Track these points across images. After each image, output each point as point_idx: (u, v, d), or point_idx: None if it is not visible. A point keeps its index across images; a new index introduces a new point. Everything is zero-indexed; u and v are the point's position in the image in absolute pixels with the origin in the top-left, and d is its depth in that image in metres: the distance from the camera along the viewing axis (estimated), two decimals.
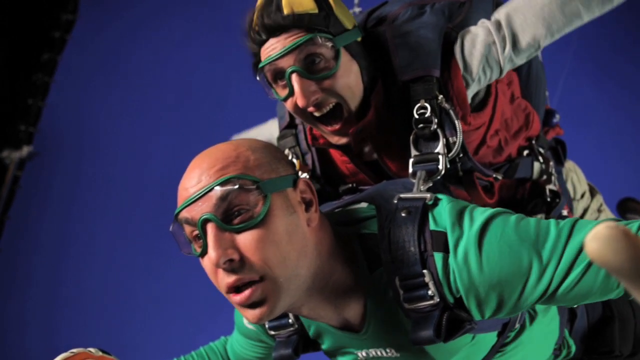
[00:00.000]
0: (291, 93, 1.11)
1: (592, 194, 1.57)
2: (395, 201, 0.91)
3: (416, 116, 1.14)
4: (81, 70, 3.68)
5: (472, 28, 1.20)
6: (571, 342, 1.20)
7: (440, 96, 1.14)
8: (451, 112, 1.13)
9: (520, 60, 1.20)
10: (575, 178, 1.53)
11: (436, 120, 1.13)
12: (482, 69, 1.17)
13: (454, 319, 0.86)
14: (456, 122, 1.13)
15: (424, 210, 0.88)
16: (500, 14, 1.20)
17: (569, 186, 1.50)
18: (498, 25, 1.18)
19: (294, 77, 1.10)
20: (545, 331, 1.10)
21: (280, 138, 1.34)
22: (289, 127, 1.33)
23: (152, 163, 3.42)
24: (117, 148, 3.52)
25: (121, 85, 3.58)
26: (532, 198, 1.34)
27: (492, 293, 0.83)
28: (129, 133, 3.51)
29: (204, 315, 3.01)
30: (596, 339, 1.24)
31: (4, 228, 3.48)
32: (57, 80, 3.73)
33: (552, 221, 0.83)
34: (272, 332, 1.04)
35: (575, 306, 1.17)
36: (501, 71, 1.19)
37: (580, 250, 0.79)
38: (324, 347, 1.04)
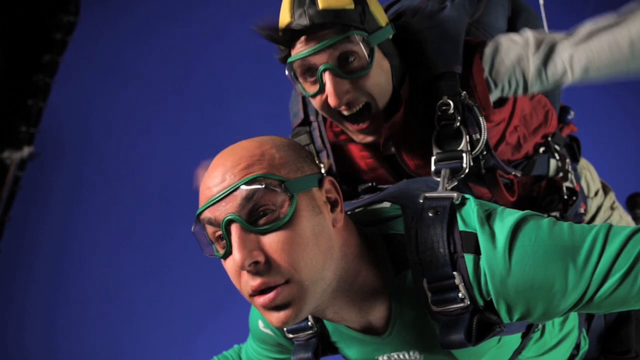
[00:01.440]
0: (321, 90, 1.09)
1: (605, 191, 1.56)
2: (421, 200, 0.88)
3: (439, 113, 1.11)
4: (82, 72, 3.68)
5: (513, 35, 1.16)
6: (585, 341, 1.18)
7: (464, 92, 1.11)
8: (475, 108, 1.11)
9: (548, 84, 1.16)
10: (588, 176, 1.52)
11: (459, 117, 1.10)
12: (507, 79, 1.14)
13: (483, 322, 0.83)
14: (480, 118, 1.11)
15: (452, 210, 0.85)
16: (548, 35, 1.15)
17: (583, 184, 1.49)
18: (539, 43, 1.14)
19: (327, 75, 1.07)
20: (563, 333, 1.08)
21: (294, 135, 1.31)
22: (302, 124, 1.31)
23: (153, 164, 3.42)
24: (117, 149, 3.52)
25: (122, 87, 3.58)
26: (548, 195, 1.33)
27: (523, 297, 0.80)
28: (130, 134, 3.51)
29: (204, 317, 3.01)
30: (612, 339, 1.22)
31: (5, 229, 3.47)
32: (58, 81, 3.73)
33: (585, 226, 0.82)
34: (291, 336, 1.01)
35: None
36: (526, 88, 1.16)
37: (617, 257, 0.77)
38: (344, 352, 1.01)
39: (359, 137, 1.18)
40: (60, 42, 3.77)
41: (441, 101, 1.11)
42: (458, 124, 1.10)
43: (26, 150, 3.56)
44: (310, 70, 1.10)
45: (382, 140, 1.17)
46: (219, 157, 0.83)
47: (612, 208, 1.56)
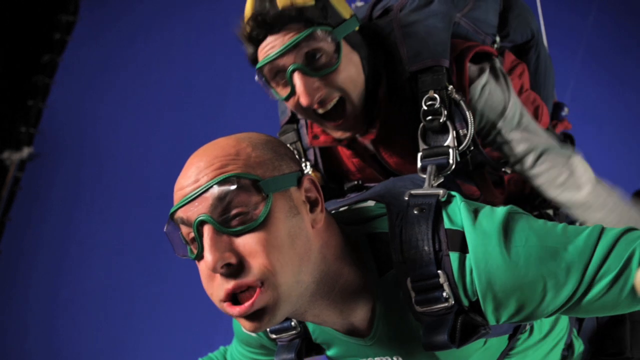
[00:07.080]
0: (293, 92, 1.08)
1: None
2: (406, 198, 0.86)
3: (425, 108, 1.09)
4: (82, 72, 3.68)
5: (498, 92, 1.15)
6: (579, 342, 1.17)
7: (450, 86, 1.09)
8: (462, 102, 1.09)
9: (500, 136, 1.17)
10: None
11: (446, 112, 1.08)
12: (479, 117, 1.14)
13: (467, 323, 0.82)
14: (467, 113, 1.09)
15: (438, 207, 0.83)
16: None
17: None
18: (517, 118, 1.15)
19: (296, 75, 1.06)
20: (553, 334, 1.06)
21: (281, 133, 1.30)
22: (290, 122, 1.30)
23: (153, 164, 3.41)
24: (117, 149, 3.52)
25: (121, 87, 3.57)
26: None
27: (511, 298, 0.79)
28: (130, 134, 3.51)
29: (204, 318, 3.00)
30: (606, 340, 1.20)
31: (5, 229, 3.47)
32: (58, 81, 3.73)
33: (578, 227, 0.81)
34: (274, 336, 1.00)
35: None
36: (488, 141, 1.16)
37: (606, 259, 0.76)
38: (328, 352, 1.00)
39: (337, 134, 1.17)
40: (59, 42, 3.77)
41: (427, 95, 1.09)
42: (444, 118, 1.08)
43: (26, 151, 3.56)
44: (280, 73, 1.08)
45: (375, 145, 1.16)
46: (194, 156, 0.81)
47: None
